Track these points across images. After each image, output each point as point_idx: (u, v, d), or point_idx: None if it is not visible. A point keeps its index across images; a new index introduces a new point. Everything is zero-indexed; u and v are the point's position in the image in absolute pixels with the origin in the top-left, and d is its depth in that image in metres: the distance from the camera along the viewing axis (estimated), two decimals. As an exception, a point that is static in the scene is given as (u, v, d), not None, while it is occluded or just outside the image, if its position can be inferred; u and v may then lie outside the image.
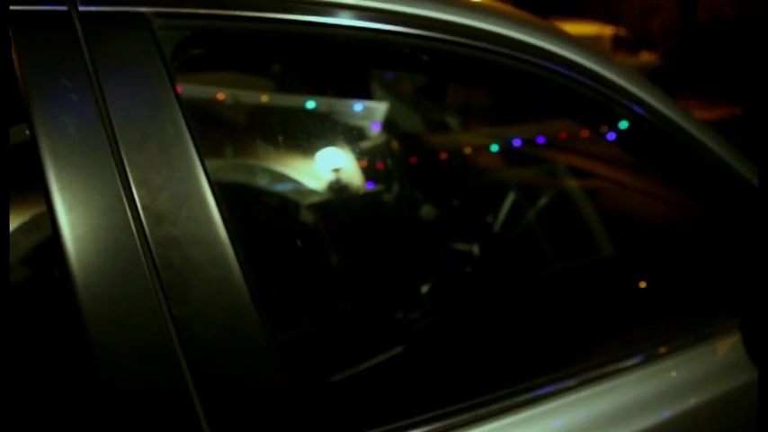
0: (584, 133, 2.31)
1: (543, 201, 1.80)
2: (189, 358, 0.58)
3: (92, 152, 0.57)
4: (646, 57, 7.81)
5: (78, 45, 0.60)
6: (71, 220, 0.55)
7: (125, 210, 0.57)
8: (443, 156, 2.05)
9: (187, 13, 0.66)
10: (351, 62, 0.87)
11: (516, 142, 2.21)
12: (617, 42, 7.64)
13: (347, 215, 1.92)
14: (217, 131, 1.56)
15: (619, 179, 1.78)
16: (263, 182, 1.69)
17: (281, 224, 1.76)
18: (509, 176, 1.94)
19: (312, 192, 1.82)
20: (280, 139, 1.74)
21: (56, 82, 0.57)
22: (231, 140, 1.64)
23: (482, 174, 1.99)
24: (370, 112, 2.00)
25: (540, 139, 2.22)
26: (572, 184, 1.94)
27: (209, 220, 0.60)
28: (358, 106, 1.96)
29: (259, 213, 1.72)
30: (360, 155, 1.93)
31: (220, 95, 1.64)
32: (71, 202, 0.56)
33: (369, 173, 1.98)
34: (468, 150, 2.16)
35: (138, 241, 0.57)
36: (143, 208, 0.58)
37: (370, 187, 2.00)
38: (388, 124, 2.01)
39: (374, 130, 2.01)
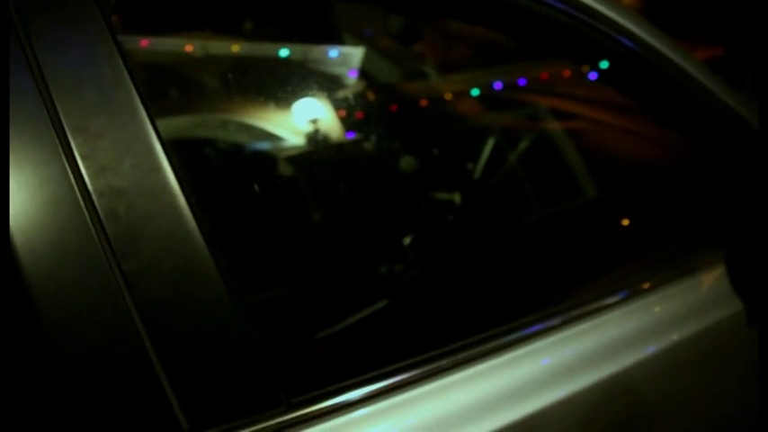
0: (566, 74, 2.26)
1: (525, 144, 1.76)
2: (144, 317, 0.54)
3: (20, 100, 0.52)
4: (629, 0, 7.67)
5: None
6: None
7: (62, 160, 0.53)
8: (423, 103, 1.99)
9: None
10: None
11: (497, 85, 2.15)
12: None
13: (323, 165, 1.87)
14: (172, 80, 1.49)
15: (603, 119, 1.74)
16: (227, 134, 1.63)
17: (252, 176, 1.72)
18: (490, 121, 1.89)
19: (285, 141, 1.77)
20: (239, 87, 1.67)
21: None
22: (190, 90, 1.57)
23: (463, 120, 1.93)
24: (347, 59, 1.93)
25: (521, 82, 2.16)
26: (554, 126, 1.90)
27: (156, 167, 0.56)
28: (333, 52, 1.88)
29: (226, 166, 1.67)
30: (337, 103, 1.87)
31: (177, 42, 1.56)
32: None
33: (346, 122, 1.92)
34: (448, 96, 2.10)
35: (78, 194, 0.53)
36: (81, 157, 0.53)
37: (349, 137, 1.95)
38: (365, 72, 1.94)
39: (351, 77, 1.94)
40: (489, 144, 1.73)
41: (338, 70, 1.87)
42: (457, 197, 1.73)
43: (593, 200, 1.59)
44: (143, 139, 0.56)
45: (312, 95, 1.76)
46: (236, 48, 1.72)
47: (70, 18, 0.56)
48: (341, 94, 1.93)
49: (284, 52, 1.75)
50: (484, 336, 0.81)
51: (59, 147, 0.53)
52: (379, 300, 1.64)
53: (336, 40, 1.89)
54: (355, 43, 1.92)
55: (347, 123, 1.92)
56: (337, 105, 1.86)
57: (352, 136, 1.96)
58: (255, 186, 1.57)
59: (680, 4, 4.92)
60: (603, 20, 0.96)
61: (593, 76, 2.15)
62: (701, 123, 1.11)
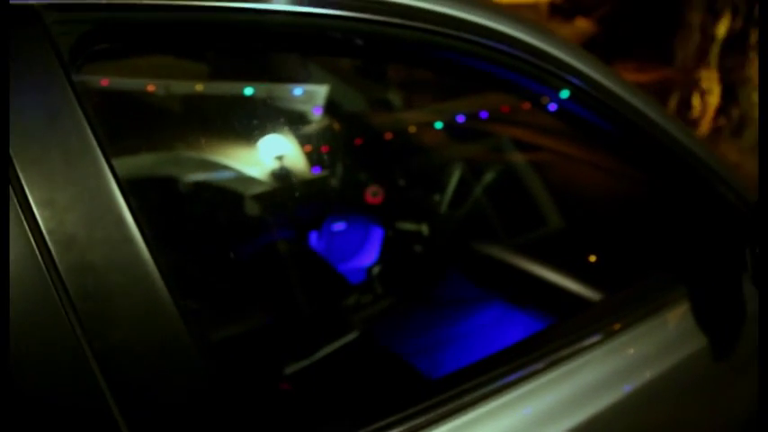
0: (526, 106, 2.31)
1: (491, 176, 1.78)
2: (117, 398, 0.51)
3: (-19, 172, 0.50)
4: (581, 23, 7.92)
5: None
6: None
7: (28, 236, 0.50)
8: (388, 136, 2.00)
9: (85, 3, 0.58)
10: (274, 48, 0.80)
11: (460, 118, 2.18)
12: (553, 9, 7.71)
13: (293, 203, 1.86)
14: (139, 130, 1.46)
15: (567, 152, 1.78)
16: (196, 177, 1.61)
17: (222, 219, 1.69)
18: (455, 153, 1.91)
19: (254, 182, 1.75)
20: (213, 130, 1.65)
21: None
22: (158, 138, 1.54)
23: (428, 152, 1.95)
24: (311, 96, 1.92)
25: (484, 114, 2.20)
26: (519, 157, 1.93)
27: (127, 239, 0.54)
28: (298, 90, 1.88)
29: (195, 211, 1.64)
30: (302, 140, 1.86)
31: (143, 88, 1.53)
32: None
33: (313, 158, 1.91)
34: (412, 129, 2.12)
35: (45, 271, 0.50)
36: (48, 232, 0.51)
37: (316, 172, 1.94)
38: (331, 107, 1.94)
39: (316, 114, 1.93)
40: (455, 176, 1.75)
41: (303, 107, 1.87)
42: (424, 228, 1.73)
43: (561, 232, 1.62)
44: (112, 211, 0.54)
45: (278, 132, 1.75)
46: (200, 87, 1.70)
47: (33, 83, 0.54)
48: (306, 130, 1.93)
49: (249, 91, 1.74)
50: (457, 390, 0.80)
51: (25, 222, 0.50)
52: (345, 336, 1.63)
53: (302, 76, 1.89)
54: (322, 76, 1.92)
55: (312, 159, 1.92)
56: (303, 141, 1.86)
57: (318, 171, 1.96)
58: (230, 254, 1.55)
59: (633, 27, 5.09)
60: (557, 63, 0.97)
61: (552, 107, 2.21)
62: (650, 155, 1.13)
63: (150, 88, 1.63)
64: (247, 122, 1.71)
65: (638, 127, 1.03)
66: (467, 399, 0.79)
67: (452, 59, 0.94)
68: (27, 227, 0.50)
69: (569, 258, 1.50)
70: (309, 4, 0.73)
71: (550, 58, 0.95)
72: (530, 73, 0.97)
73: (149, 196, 1.40)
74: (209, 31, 0.67)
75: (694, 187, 1.10)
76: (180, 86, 1.70)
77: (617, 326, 0.98)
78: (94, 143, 0.54)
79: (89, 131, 0.54)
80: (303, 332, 1.65)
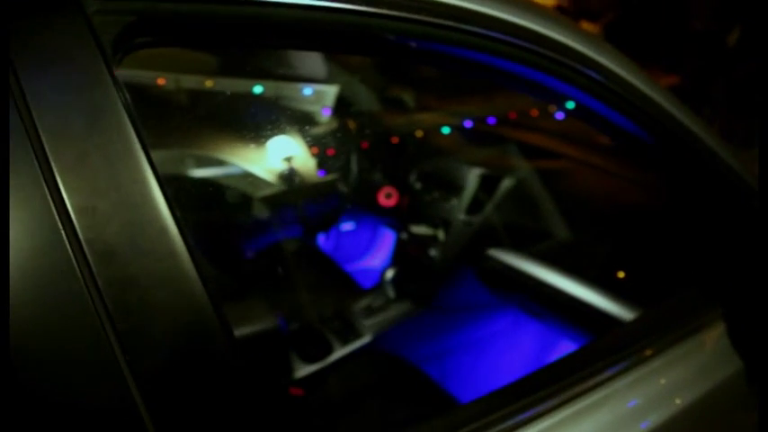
0: (534, 112, 2.27)
1: (510, 182, 1.74)
2: (157, 424, 0.47)
3: (17, 177, 0.45)
4: (587, 28, 7.91)
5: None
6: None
7: (65, 246, 0.46)
8: (403, 138, 1.96)
9: (129, -7, 0.54)
10: (319, 46, 0.76)
11: (467, 123, 2.14)
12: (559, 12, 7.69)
13: (304, 204, 1.82)
14: (154, 121, 1.42)
15: (589, 160, 1.74)
16: (206, 175, 1.56)
17: (243, 223, 1.65)
18: (473, 157, 1.87)
19: (268, 184, 1.71)
20: (245, 132, 1.60)
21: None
22: (170, 132, 1.49)
23: (445, 155, 1.91)
24: (320, 96, 1.88)
25: (492, 120, 2.16)
26: (528, 165, 1.89)
27: (172, 252, 0.49)
28: (307, 90, 1.83)
29: (216, 215, 1.59)
30: (310, 141, 1.82)
31: (165, 87, 1.48)
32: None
33: (320, 160, 1.87)
34: (429, 132, 2.08)
35: (84, 284, 0.46)
36: (88, 242, 0.47)
37: (327, 174, 1.90)
38: (344, 106, 1.90)
39: (324, 115, 1.89)
40: (472, 180, 1.71)
41: (312, 108, 1.82)
42: (440, 233, 1.70)
43: (578, 244, 1.59)
44: (157, 220, 0.49)
45: (285, 133, 1.70)
46: (209, 83, 1.66)
47: (74, 77, 0.49)
48: (314, 131, 1.89)
49: (258, 89, 1.69)
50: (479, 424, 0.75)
51: (63, 231, 0.46)
52: (351, 341, 1.59)
53: (313, 75, 1.85)
54: (336, 75, 1.87)
55: (324, 160, 1.88)
56: (311, 143, 1.81)
57: (323, 174, 1.92)
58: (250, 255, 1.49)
59: (640, 33, 5.06)
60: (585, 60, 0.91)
61: (559, 115, 2.18)
62: (685, 168, 1.08)
63: (160, 82, 1.58)
64: (255, 122, 1.67)
65: (670, 131, 0.99)
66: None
67: (477, 58, 0.89)
68: (65, 236, 0.46)
69: (589, 269, 1.46)
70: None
71: (582, 57, 0.89)
72: (558, 72, 0.91)
73: (184, 200, 1.36)
74: (257, 25, 0.63)
75: (725, 195, 1.07)
76: (192, 82, 1.66)
77: (648, 351, 0.94)
78: (138, 146, 0.50)
79: (132, 132, 0.50)
80: (310, 335, 1.61)
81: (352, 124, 1.97)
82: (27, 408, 0.44)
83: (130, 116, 0.50)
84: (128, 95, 0.51)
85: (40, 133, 0.47)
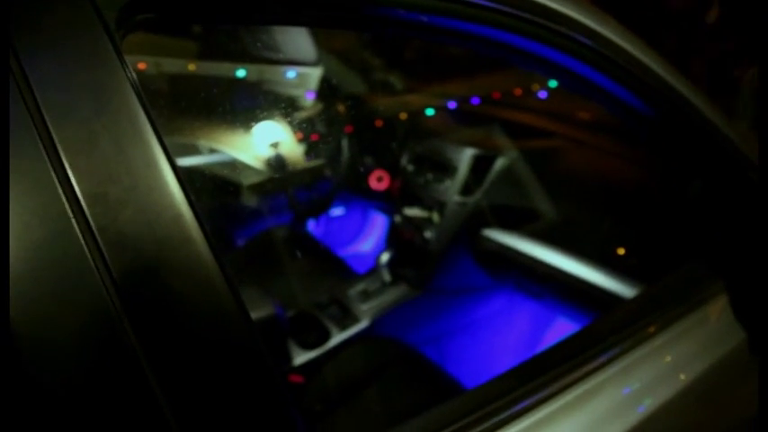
0: (518, 91, 2.26)
1: (504, 163, 1.73)
2: (177, 417, 0.45)
3: (22, 163, 0.43)
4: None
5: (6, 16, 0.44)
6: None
7: (77, 235, 0.43)
8: (384, 122, 1.93)
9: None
10: (325, 20, 0.73)
11: (451, 104, 2.12)
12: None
13: (293, 189, 1.79)
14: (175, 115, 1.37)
15: (578, 138, 1.74)
16: (197, 163, 1.53)
17: (229, 208, 1.61)
18: (465, 138, 1.86)
19: (252, 170, 1.67)
20: (229, 118, 1.57)
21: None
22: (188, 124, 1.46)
23: (437, 137, 1.89)
24: (304, 80, 1.84)
25: (475, 100, 2.14)
26: (515, 144, 1.88)
27: (188, 239, 0.47)
28: (291, 73, 1.79)
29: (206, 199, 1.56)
30: (296, 126, 1.79)
31: (146, 72, 1.44)
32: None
33: (307, 145, 1.84)
34: (407, 116, 2.05)
35: (97, 274, 0.44)
36: (100, 231, 0.44)
37: (316, 158, 1.87)
38: (330, 89, 1.86)
39: (309, 98, 1.86)
40: (465, 161, 1.69)
41: (296, 92, 1.79)
42: (435, 215, 1.68)
43: (577, 221, 1.59)
44: (173, 206, 0.47)
45: (270, 118, 1.67)
46: (192, 67, 1.61)
47: (78, 55, 0.46)
48: (299, 116, 1.85)
49: (241, 73, 1.65)
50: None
51: (73, 219, 0.43)
52: (347, 326, 1.57)
53: (296, 57, 1.81)
54: (318, 58, 1.83)
55: (307, 146, 1.84)
56: (296, 128, 1.78)
57: (311, 158, 1.89)
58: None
59: (616, 9, 5.05)
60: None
61: (542, 94, 2.17)
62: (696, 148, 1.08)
63: (141, 66, 1.53)
64: (239, 107, 1.63)
65: (670, 101, 0.97)
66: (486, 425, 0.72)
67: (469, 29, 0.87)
68: (75, 224, 0.44)
69: (587, 248, 1.46)
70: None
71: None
72: (558, 43, 0.89)
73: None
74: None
75: (725, 168, 1.06)
76: (174, 66, 1.61)
77: (651, 328, 0.94)
78: (148, 126, 0.47)
79: (141, 113, 0.47)
80: (307, 322, 1.59)
81: (338, 108, 1.94)
82: (35, 402, 0.42)
83: (138, 96, 0.48)
84: (134, 74, 0.48)
85: (45, 116, 0.44)
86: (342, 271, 1.77)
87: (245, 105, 1.60)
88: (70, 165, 0.44)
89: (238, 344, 0.48)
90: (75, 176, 0.44)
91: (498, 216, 1.62)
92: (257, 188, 1.70)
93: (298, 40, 1.80)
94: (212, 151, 1.56)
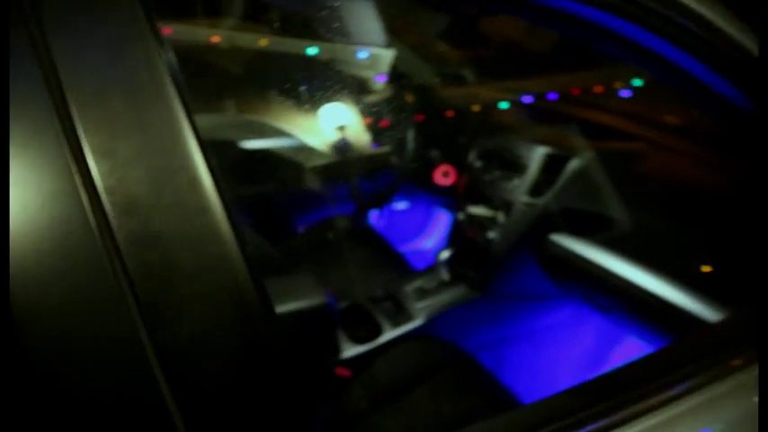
0: (598, 89, 2.11)
1: (577, 164, 1.61)
2: (179, 401, 0.40)
3: (26, 107, 0.39)
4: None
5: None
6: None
7: (79, 195, 0.39)
8: (454, 114, 1.84)
9: None
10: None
11: (526, 99, 2.01)
12: None
13: (355, 178, 1.74)
14: (201, 81, 1.36)
15: (664, 142, 1.59)
16: (252, 141, 1.50)
17: (283, 190, 1.59)
18: (537, 136, 1.75)
19: (314, 152, 1.64)
20: (296, 97, 1.54)
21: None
22: (218, 92, 1.44)
23: (507, 132, 1.79)
24: (375, 61, 1.78)
25: (552, 96, 2.02)
26: (592, 145, 1.75)
27: (204, 207, 0.42)
28: (362, 53, 1.73)
29: (256, 178, 1.54)
30: (364, 110, 1.74)
31: (205, 38, 1.42)
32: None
33: (374, 131, 1.79)
34: (479, 108, 1.96)
35: (99, 239, 0.39)
36: (107, 191, 0.40)
37: (380, 147, 1.81)
38: (400, 75, 1.80)
39: (379, 82, 1.80)
40: (536, 160, 1.59)
41: (366, 73, 1.73)
42: (500, 215, 1.59)
43: (656, 233, 1.45)
44: (188, 169, 0.42)
45: (338, 100, 1.62)
46: (263, 42, 1.59)
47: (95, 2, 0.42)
48: (368, 99, 1.80)
49: (312, 50, 1.61)
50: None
51: (77, 176, 0.39)
52: (402, 323, 1.51)
53: (368, 38, 1.75)
54: (388, 42, 1.77)
55: (373, 132, 1.79)
56: (364, 112, 1.73)
57: (377, 146, 1.83)
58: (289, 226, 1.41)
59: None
60: None
61: (625, 93, 2.01)
62: None
63: (214, 39, 1.52)
64: (307, 85, 1.59)
65: None
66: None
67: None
68: (79, 182, 0.39)
69: (667, 262, 1.33)
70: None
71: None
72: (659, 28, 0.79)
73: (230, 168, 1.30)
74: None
75: None
76: (246, 41, 1.59)
77: (737, 361, 0.82)
78: (168, 80, 0.43)
79: (162, 66, 0.43)
80: (359, 315, 1.54)
81: (407, 95, 1.87)
82: (33, 377, 0.38)
83: (160, 50, 0.43)
84: (157, 24, 0.44)
85: (56, 62, 0.40)
86: (399, 265, 1.71)
87: (314, 84, 1.56)
88: (78, 115, 0.40)
89: (253, 331, 0.43)
90: (82, 128, 0.40)
91: (569, 221, 1.51)
92: (320, 172, 1.66)
93: (371, 20, 1.74)
94: (276, 130, 1.54)
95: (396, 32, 1.85)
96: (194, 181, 0.42)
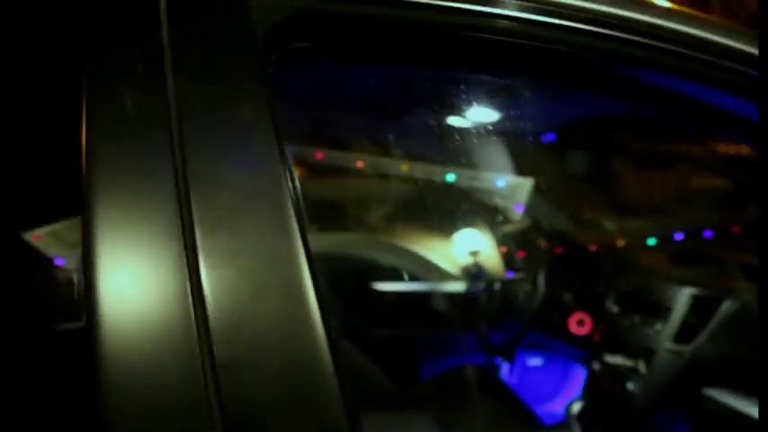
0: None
1: (728, 308, 1.43)
2: None
3: (146, 138, 0.41)
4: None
5: (157, 9, 0.45)
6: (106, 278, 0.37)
7: (188, 308, 0.38)
8: (596, 252, 1.75)
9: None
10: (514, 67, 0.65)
11: (679, 235, 1.86)
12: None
13: (486, 320, 1.68)
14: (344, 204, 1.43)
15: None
16: (382, 259, 1.51)
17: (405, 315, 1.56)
18: (679, 276, 1.60)
19: (443, 274, 1.62)
20: (407, 211, 1.58)
21: (122, 48, 0.43)
22: (358, 216, 1.49)
23: (646, 274, 1.66)
24: (514, 190, 1.77)
25: (708, 233, 1.86)
26: (749, 286, 1.55)
27: (313, 341, 0.39)
28: (500, 182, 1.74)
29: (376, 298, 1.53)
30: (498, 238, 1.72)
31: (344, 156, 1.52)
32: (109, 233, 0.38)
33: (508, 260, 1.74)
34: (621, 243, 1.85)
35: (199, 359, 0.37)
36: (215, 318, 0.38)
37: (510, 276, 1.75)
38: (534, 209, 1.77)
39: (517, 211, 1.77)
40: (680, 303, 1.43)
41: (504, 203, 1.73)
42: (641, 365, 1.42)
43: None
44: (297, 293, 0.40)
45: (474, 226, 1.62)
46: (404, 168, 1.65)
47: (224, 62, 0.45)
48: (504, 228, 1.78)
49: (451, 177, 1.64)
50: None
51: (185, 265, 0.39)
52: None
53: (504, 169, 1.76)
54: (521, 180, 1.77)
55: (506, 260, 1.74)
56: (499, 240, 1.70)
57: (511, 275, 1.77)
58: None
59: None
60: None
61: None
62: None
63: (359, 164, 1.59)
64: (444, 209, 1.60)
65: None
66: None
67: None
68: (191, 300, 0.39)
69: None
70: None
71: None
72: None
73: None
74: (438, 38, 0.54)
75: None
76: (388, 166, 1.66)
77: None
78: (281, 171, 0.43)
79: (285, 193, 0.43)
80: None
81: (542, 232, 1.82)
82: None
83: (277, 132, 0.43)
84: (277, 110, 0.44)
85: (188, 179, 0.41)
86: (525, 418, 1.55)
87: (450, 210, 1.59)
88: (200, 230, 0.40)
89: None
90: (201, 246, 0.39)
91: (728, 372, 1.31)
92: (451, 308, 1.63)
93: (507, 149, 1.76)
94: (409, 253, 1.54)
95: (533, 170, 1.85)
96: (300, 319, 0.40)
